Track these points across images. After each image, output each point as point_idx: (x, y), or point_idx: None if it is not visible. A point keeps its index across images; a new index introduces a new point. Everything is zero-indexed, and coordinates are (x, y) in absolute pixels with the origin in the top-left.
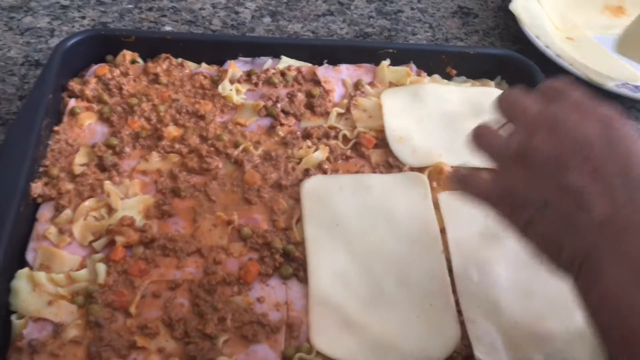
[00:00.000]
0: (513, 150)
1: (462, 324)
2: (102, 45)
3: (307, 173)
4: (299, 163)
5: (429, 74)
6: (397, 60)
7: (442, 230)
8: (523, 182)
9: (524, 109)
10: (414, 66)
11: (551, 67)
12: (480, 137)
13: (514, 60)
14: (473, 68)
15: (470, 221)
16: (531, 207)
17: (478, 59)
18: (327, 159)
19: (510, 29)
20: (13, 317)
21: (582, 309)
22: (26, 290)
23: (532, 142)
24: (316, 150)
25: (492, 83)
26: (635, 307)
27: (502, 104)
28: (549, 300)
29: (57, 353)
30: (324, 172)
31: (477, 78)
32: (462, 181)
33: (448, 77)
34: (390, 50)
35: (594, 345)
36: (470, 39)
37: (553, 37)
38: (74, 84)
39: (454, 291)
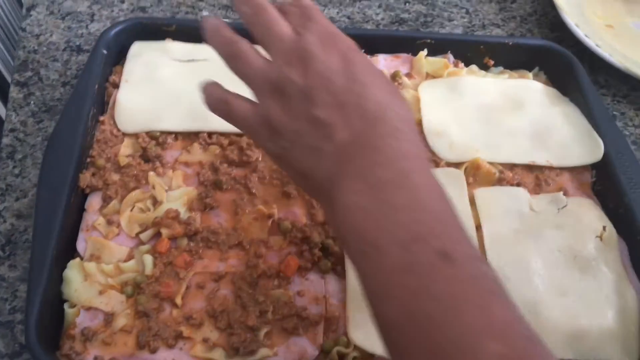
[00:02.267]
0: (272, 80)
1: None
2: (143, 33)
3: None
4: None
5: (466, 64)
6: (435, 50)
7: (478, 227)
8: (280, 112)
9: (280, 36)
10: (451, 56)
11: (589, 57)
12: (238, 57)
13: (552, 51)
14: (511, 58)
15: (506, 218)
16: (286, 136)
17: (516, 50)
18: None
19: (549, 15)
20: (65, 306)
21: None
22: (78, 280)
23: (288, 75)
24: None
25: (530, 74)
26: (370, 219)
27: (256, 21)
28: (583, 298)
29: (108, 341)
30: None
31: (515, 68)
32: (224, 106)
33: (485, 67)
34: (429, 41)
35: (626, 345)
36: (507, 25)
37: (592, 25)
38: (116, 76)
39: None
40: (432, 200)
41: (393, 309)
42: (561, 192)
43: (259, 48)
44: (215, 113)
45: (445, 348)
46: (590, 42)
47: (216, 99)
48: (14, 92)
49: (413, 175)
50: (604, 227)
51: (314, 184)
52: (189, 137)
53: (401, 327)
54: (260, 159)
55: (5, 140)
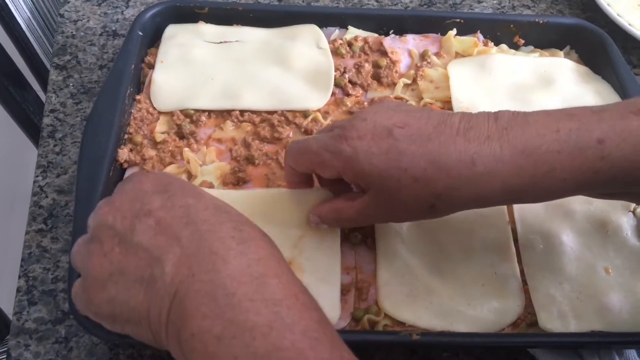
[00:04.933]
0: (86, 239)
1: (526, 292)
2: (177, 16)
3: None
4: None
5: (496, 44)
6: (464, 30)
7: None
8: (96, 261)
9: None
10: (480, 36)
11: (622, 36)
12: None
13: (585, 29)
14: (542, 37)
15: None
16: (110, 282)
17: (547, 29)
18: None
19: None
20: None
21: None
22: None
23: (97, 221)
24: None
25: (561, 53)
26: (223, 347)
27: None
28: (614, 271)
29: None
30: None
31: (545, 47)
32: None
33: (515, 46)
34: (457, 20)
35: None
36: (537, 6)
37: (624, 4)
38: (151, 57)
39: (519, 261)
40: (295, 314)
41: None
42: None
43: None
44: None
45: None
46: (623, 21)
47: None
48: (54, 75)
49: (269, 282)
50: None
51: (152, 318)
52: (222, 115)
53: None
54: (291, 135)
55: (46, 120)
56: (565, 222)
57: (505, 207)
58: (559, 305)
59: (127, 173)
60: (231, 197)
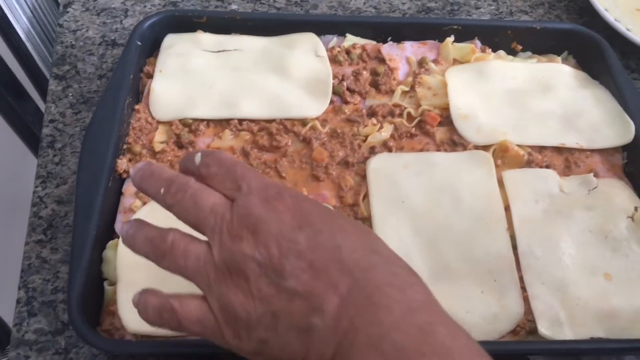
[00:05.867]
0: (219, 263)
1: (525, 299)
2: (175, 25)
3: (372, 151)
4: (364, 140)
5: (494, 50)
6: (462, 36)
7: (507, 208)
8: (242, 298)
9: (211, 209)
10: (478, 42)
11: (619, 41)
12: (169, 253)
13: (582, 34)
14: (539, 43)
15: (535, 199)
16: (260, 325)
17: (545, 34)
18: (392, 136)
19: (577, 1)
20: (105, 284)
21: None
22: (117, 259)
23: (238, 250)
24: (381, 128)
25: (559, 58)
26: None
27: (174, 200)
28: (615, 278)
29: None
30: (389, 149)
31: (543, 53)
32: (169, 315)
33: (513, 52)
34: (455, 27)
35: None
36: (535, 12)
37: (622, 9)
38: (150, 67)
39: (519, 268)
40: None
41: None
42: (591, 174)
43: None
44: (158, 326)
45: None
46: (621, 26)
47: (156, 310)
48: (53, 85)
49: (436, 331)
50: (636, 208)
51: None
52: (220, 124)
53: None
54: (289, 143)
55: (45, 131)
56: (565, 229)
57: (504, 214)
58: (558, 312)
59: (126, 184)
60: None
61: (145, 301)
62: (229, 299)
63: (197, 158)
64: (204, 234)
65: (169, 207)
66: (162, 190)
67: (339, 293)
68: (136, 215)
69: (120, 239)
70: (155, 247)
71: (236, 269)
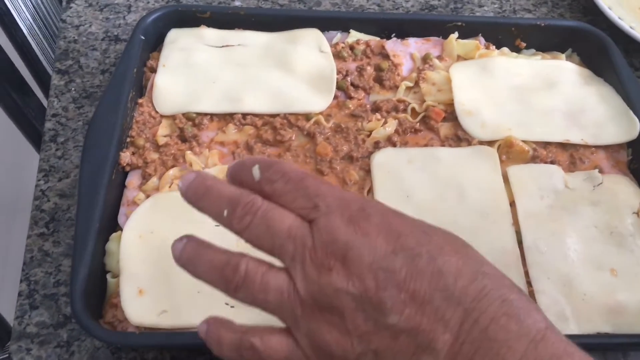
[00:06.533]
0: (306, 298)
1: (531, 295)
2: (178, 20)
3: (377, 145)
4: (369, 135)
5: (498, 47)
6: (466, 33)
7: (512, 204)
8: (338, 336)
9: (288, 233)
10: (482, 39)
11: (623, 39)
12: (243, 285)
13: (586, 32)
14: (543, 40)
15: (540, 194)
16: None
17: (549, 31)
18: (396, 131)
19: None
20: (108, 276)
21: None
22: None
23: (328, 283)
24: (385, 123)
25: (563, 56)
26: None
27: (243, 224)
28: (620, 273)
29: None
30: (393, 144)
31: (547, 51)
32: (249, 353)
33: (517, 49)
34: (459, 24)
35: None
36: (538, 10)
37: (626, 7)
38: (154, 62)
39: (524, 263)
40: None
41: None
42: (596, 170)
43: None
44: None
45: None
46: (624, 24)
47: (232, 347)
48: (56, 80)
49: None
50: None
51: None
52: (224, 118)
53: None
54: (293, 138)
55: (48, 125)
56: (570, 224)
57: (509, 209)
58: (564, 307)
59: (129, 177)
60: None
61: (219, 337)
62: (321, 337)
63: (256, 172)
64: (282, 261)
65: (237, 232)
66: (225, 213)
67: (450, 328)
68: (139, 209)
69: (174, 258)
70: (227, 278)
71: (327, 304)
